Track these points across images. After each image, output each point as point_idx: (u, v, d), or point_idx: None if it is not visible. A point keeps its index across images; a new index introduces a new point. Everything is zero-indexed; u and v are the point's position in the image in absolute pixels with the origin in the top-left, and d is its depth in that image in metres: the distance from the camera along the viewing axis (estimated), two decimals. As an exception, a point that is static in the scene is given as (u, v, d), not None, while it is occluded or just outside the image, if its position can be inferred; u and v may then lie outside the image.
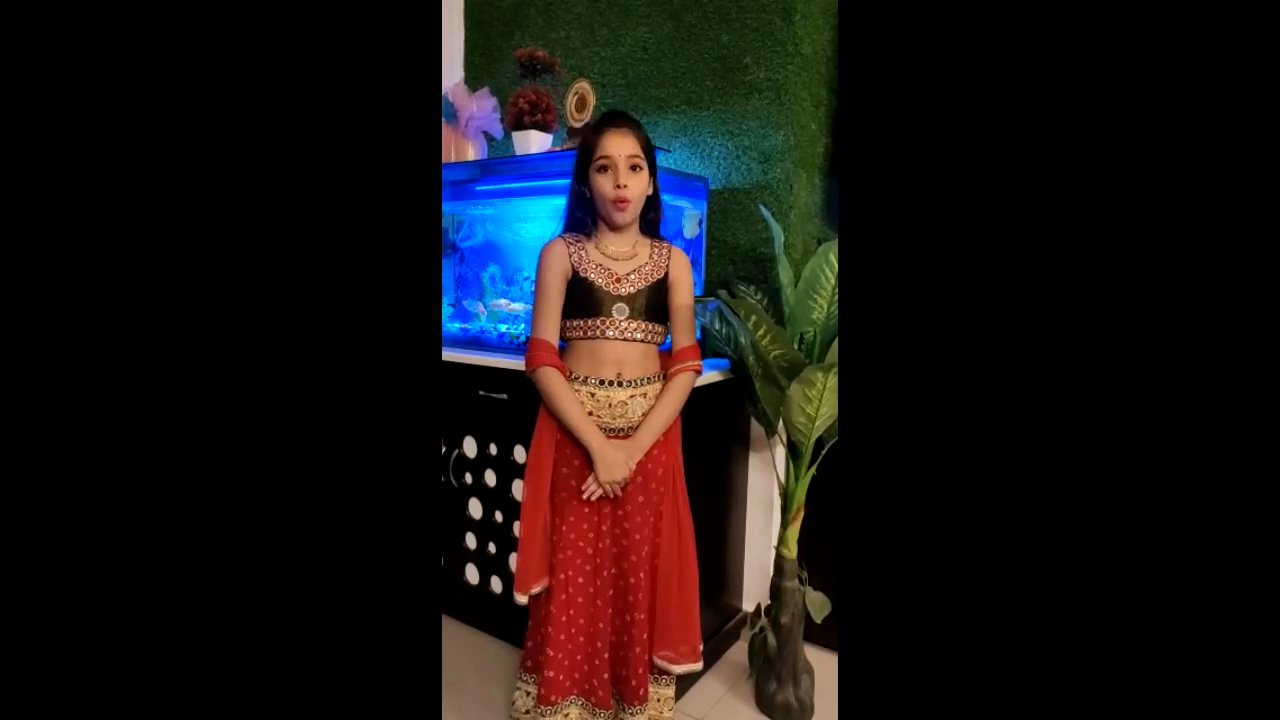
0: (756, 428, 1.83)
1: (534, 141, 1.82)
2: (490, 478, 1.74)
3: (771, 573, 1.56)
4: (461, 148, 2.05)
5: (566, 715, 1.24)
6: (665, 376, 1.25)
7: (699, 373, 1.26)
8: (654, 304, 1.23)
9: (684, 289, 1.25)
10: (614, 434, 1.22)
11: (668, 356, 1.27)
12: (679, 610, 1.25)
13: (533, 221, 2.02)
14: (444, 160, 2.02)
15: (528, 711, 1.29)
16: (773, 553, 1.58)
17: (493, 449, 1.72)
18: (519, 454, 1.67)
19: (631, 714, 1.24)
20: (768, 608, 1.55)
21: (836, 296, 1.45)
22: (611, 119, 1.20)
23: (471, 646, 1.76)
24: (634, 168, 1.18)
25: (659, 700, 1.29)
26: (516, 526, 1.69)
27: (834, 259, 1.43)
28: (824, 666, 1.61)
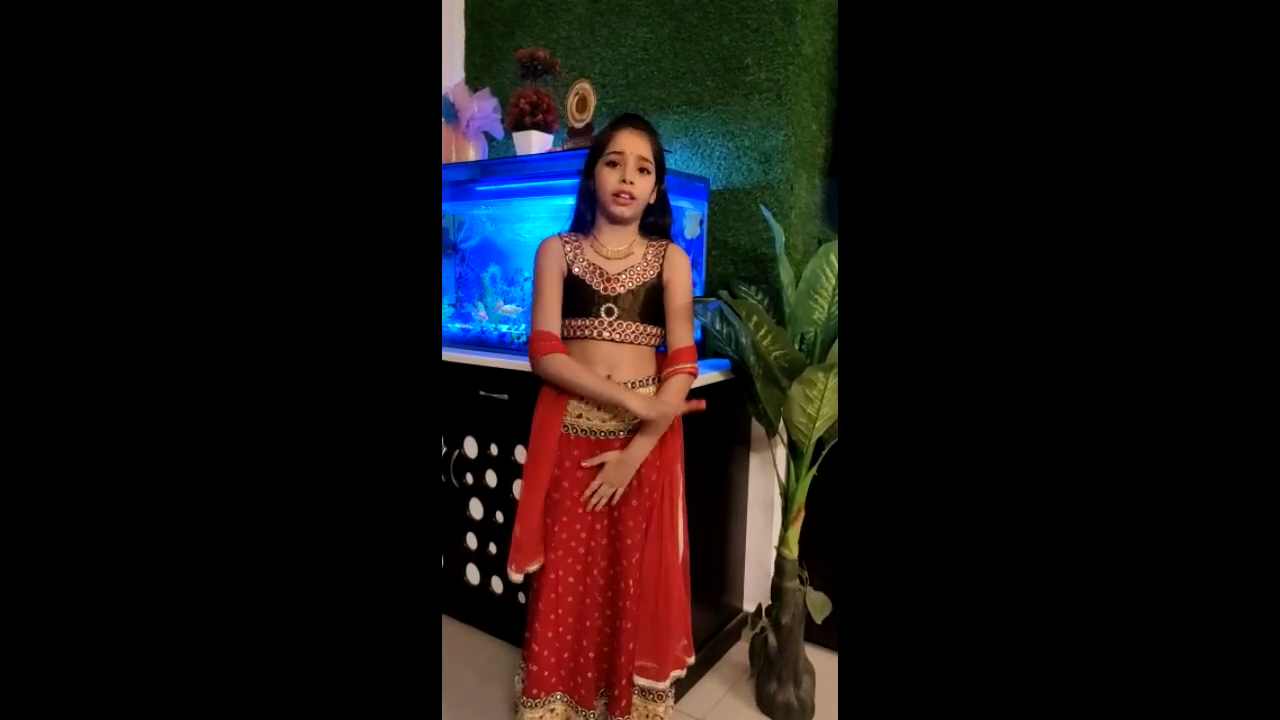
0: (757, 428, 1.83)
1: (534, 142, 1.82)
2: (491, 478, 1.74)
3: (772, 573, 1.56)
4: (462, 148, 2.05)
5: (553, 710, 1.25)
6: (660, 380, 1.23)
7: (694, 375, 1.23)
8: (647, 305, 1.21)
9: (680, 289, 1.22)
10: (605, 436, 1.21)
11: (665, 359, 1.26)
12: (654, 622, 1.23)
13: (533, 222, 2.02)
14: (444, 160, 2.02)
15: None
16: (773, 553, 1.58)
17: (493, 449, 1.72)
18: (519, 454, 1.67)
19: None
20: (768, 608, 1.55)
21: (837, 296, 1.45)
22: (629, 119, 1.21)
23: (471, 646, 1.76)
24: (642, 170, 1.18)
25: (650, 716, 1.28)
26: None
27: (834, 259, 1.42)
28: (824, 666, 1.61)
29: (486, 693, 1.58)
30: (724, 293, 1.67)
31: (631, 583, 1.21)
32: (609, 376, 1.19)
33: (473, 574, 1.82)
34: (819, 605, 1.48)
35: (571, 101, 1.79)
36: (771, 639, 1.50)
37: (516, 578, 1.23)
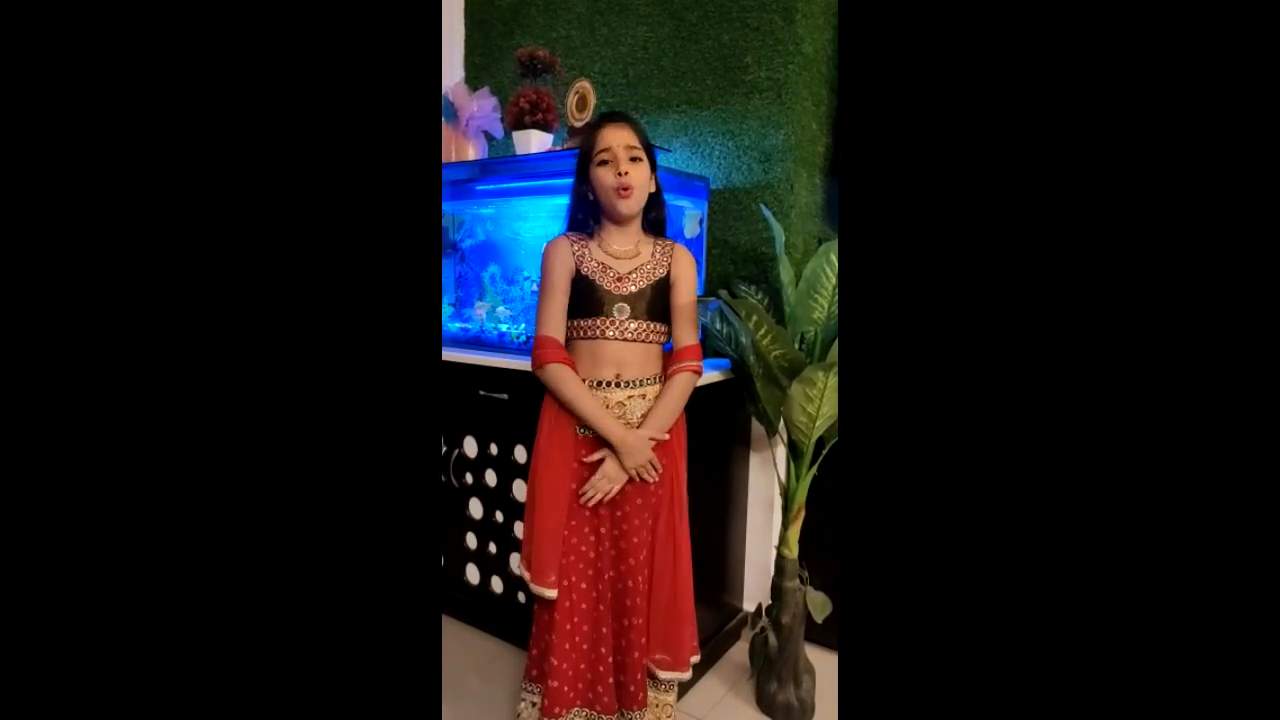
0: (757, 427, 1.83)
1: (534, 141, 1.82)
2: (490, 478, 1.74)
3: (772, 572, 1.56)
4: (462, 147, 2.05)
5: None
6: (665, 377, 1.24)
7: (699, 373, 1.24)
8: (656, 303, 1.21)
9: (685, 287, 1.24)
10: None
11: (670, 356, 1.26)
12: (669, 615, 1.24)
13: (533, 221, 2.02)
14: (444, 160, 2.02)
15: None
16: (773, 552, 1.58)
17: (493, 449, 1.72)
18: (519, 454, 1.67)
19: (631, 719, 1.23)
20: (768, 608, 1.55)
21: (837, 296, 1.45)
22: (607, 115, 1.21)
23: (471, 646, 1.76)
24: (634, 159, 1.18)
25: (658, 705, 1.28)
26: (518, 527, 1.70)
27: (834, 258, 1.42)
28: (824, 666, 1.61)
29: (487, 693, 1.58)
30: (724, 292, 1.67)
31: (640, 579, 1.20)
32: (618, 375, 1.20)
33: (473, 574, 1.82)
34: (819, 605, 1.48)
35: (571, 101, 1.79)
36: (771, 639, 1.50)
37: (550, 594, 1.19)
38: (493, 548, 1.77)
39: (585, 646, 1.23)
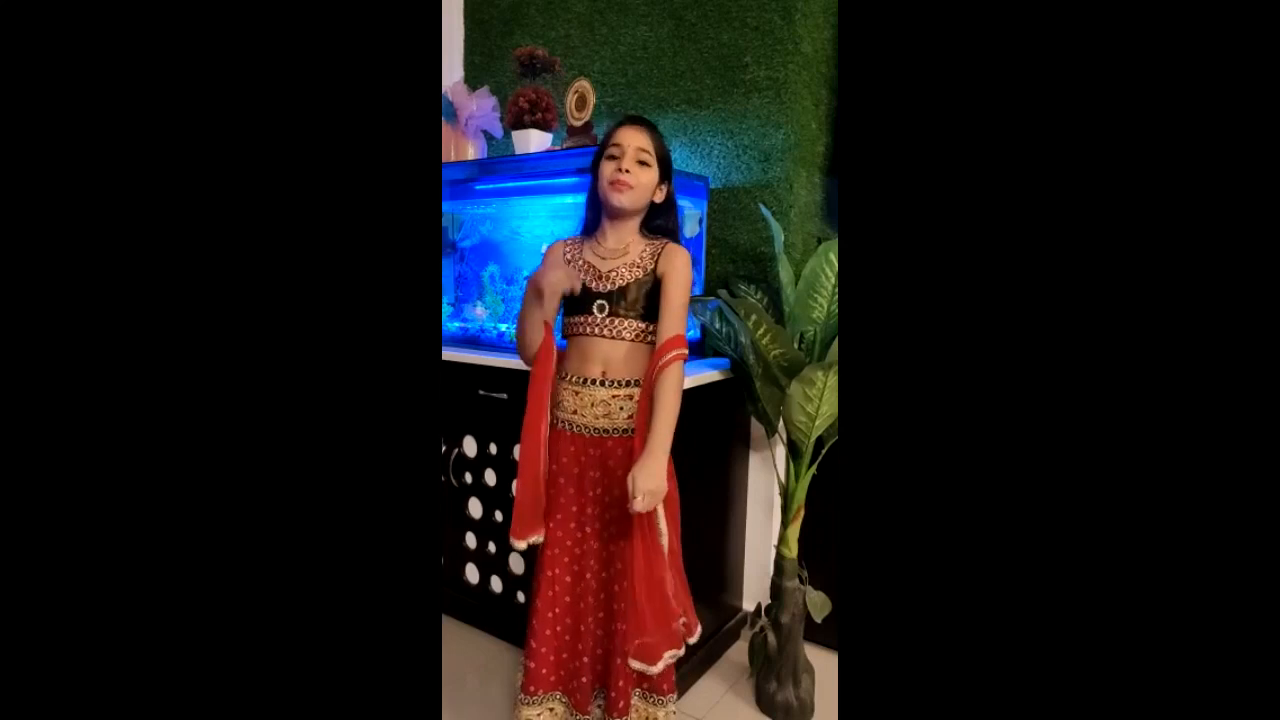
0: (756, 427, 1.83)
1: (534, 141, 1.82)
2: (490, 477, 1.74)
3: (772, 572, 1.56)
4: (461, 147, 2.05)
5: (552, 710, 1.26)
6: (653, 378, 1.16)
7: (684, 358, 1.16)
8: (639, 301, 1.18)
9: (675, 282, 1.17)
10: (601, 435, 1.19)
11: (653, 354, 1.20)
12: (637, 612, 1.17)
13: (532, 221, 2.02)
14: (444, 159, 2.02)
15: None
16: (773, 552, 1.58)
17: (493, 448, 1.72)
18: (519, 453, 1.67)
19: None
20: (768, 607, 1.55)
21: (836, 295, 1.45)
22: (631, 117, 1.24)
23: (471, 646, 1.76)
24: (642, 163, 1.18)
25: (648, 719, 1.27)
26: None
27: (834, 258, 1.42)
28: (824, 666, 1.61)
29: (486, 692, 1.58)
30: (723, 292, 1.67)
31: (626, 584, 1.20)
32: (604, 373, 1.19)
33: (472, 573, 1.82)
34: (819, 604, 1.48)
35: (571, 100, 1.79)
36: (771, 638, 1.50)
37: (520, 546, 1.22)
38: (492, 547, 1.77)
39: (566, 637, 1.25)
